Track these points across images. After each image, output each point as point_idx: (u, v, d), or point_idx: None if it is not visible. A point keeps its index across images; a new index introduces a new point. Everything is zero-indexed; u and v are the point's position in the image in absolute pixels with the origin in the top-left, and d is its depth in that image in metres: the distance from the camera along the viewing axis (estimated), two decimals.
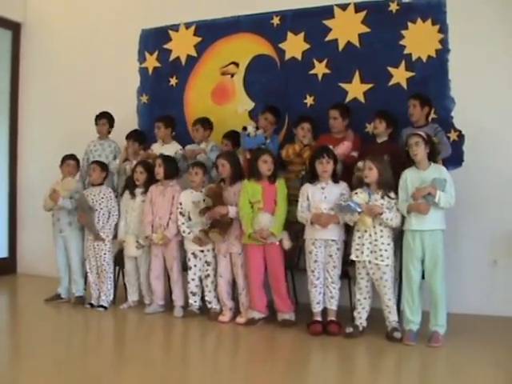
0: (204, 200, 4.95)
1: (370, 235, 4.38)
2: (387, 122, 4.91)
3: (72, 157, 5.63)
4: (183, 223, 5.09)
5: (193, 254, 5.10)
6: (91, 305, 5.41)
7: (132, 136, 5.79)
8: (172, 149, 5.64)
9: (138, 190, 5.35)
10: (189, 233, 5.06)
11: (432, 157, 4.37)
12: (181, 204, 5.12)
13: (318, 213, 4.52)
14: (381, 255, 4.34)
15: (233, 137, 5.53)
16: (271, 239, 4.70)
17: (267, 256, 4.77)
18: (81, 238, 5.57)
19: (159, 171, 5.18)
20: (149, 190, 5.27)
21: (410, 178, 4.35)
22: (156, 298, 5.30)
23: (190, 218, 5.10)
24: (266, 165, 4.76)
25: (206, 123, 5.71)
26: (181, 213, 5.11)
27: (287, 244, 4.72)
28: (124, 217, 5.39)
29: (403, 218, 4.39)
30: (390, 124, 4.91)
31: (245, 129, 5.33)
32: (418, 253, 4.31)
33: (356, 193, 4.44)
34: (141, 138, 5.83)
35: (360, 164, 4.53)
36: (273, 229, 4.67)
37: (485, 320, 4.92)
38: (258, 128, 5.33)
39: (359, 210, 4.33)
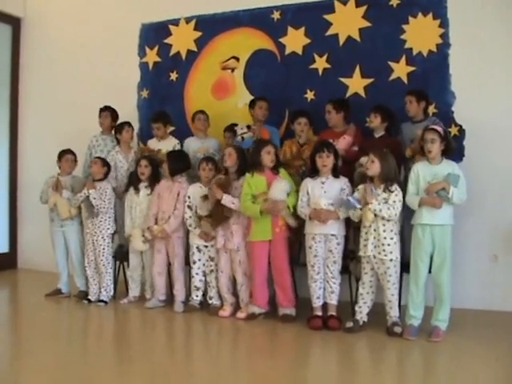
0: (209, 189, 4.93)
1: (375, 230, 4.36)
2: (382, 116, 4.91)
3: (70, 151, 5.64)
4: (190, 217, 5.09)
5: (197, 248, 5.10)
6: (89, 300, 5.42)
7: (126, 123, 5.82)
8: (169, 144, 5.66)
9: (142, 185, 5.36)
10: (195, 227, 5.06)
11: (446, 153, 4.35)
12: (189, 197, 5.12)
13: (318, 209, 4.52)
14: (384, 250, 4.32)
15: (234, 130, 5.53)
16: (285, 212, 4.66)
17: (272, 250, 4.76)
18: (80, 233, 5.59)
19: (165, 168, 5.20)
20: (159, 183, 5.29)
21: (422, 172, 4.34)
22: (157, 293, 5.31)
23: (196, 213, 5.09)
24: (269, 156, 4.74)
25: (204, 113, 5.73)
26: (188, 206, 5.11)
27: (293, 222, 4.70)
28: (129, 212, 5.39)
29: (410, 212, 4.38)
30: (385, 118, 4.91)
31: (235, 131, 5.36)
32: (427, 247, 4.30)
33: (358, 189, 4.43)
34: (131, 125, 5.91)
35: (362, 159, 4.52)
36: (289, 201, 4.66)
37: (485, 315, 4.92)
38: (249, 127, 5.33)
39: (358, 206, 4.32)
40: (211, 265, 5.09)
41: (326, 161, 4.57)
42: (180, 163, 5.25)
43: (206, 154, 5.45)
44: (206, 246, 5.09)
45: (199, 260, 5.11)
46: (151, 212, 5.22)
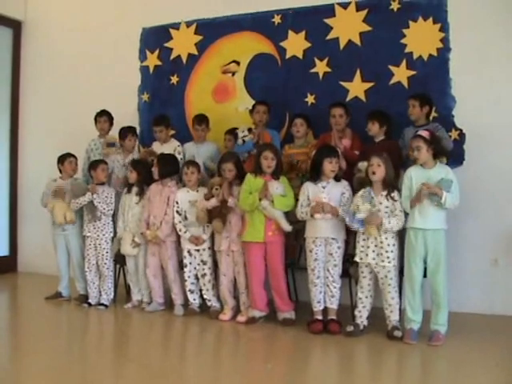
0: (216, 189, 4.90)
1: (376, 238, 4.35)
2: (379, 121, 4.91)
3: (72, 154, 5.65)
4: (180, 221, 5.09)
5: (188, 252, 5.11)
6: (89, 304, 5.41)
7: (130, 130, 5.81)
8: (171, 147, 5.66)
9: (134, 190, 5.35)
10: (185, 232, 5.07)
11: (437, 156, 4.35)
12: (177, 203, 5.12)
13: (319, 202, 4.49)
14: (387, 257, 4.32)
15: (235, 132, 5.54)
16: (267, 206, 4.65)
17: (267, 254, 4.76)
18: (82, 237, 5.57)
19: (155, 171, 5.20)
20: (150, 187, 5.28)
21: (415, 177, 4.33)
22: (155, 296, 5.31)
23: (186, 218, 5.10)
24: (266, 161, 4.74)
25: (205, 120, 5.72)
26: (177, 211, 5.11)
27: (287, 227, 4.69)
28: (122, 214, 5.39)
29: (406, 216, 4.38)
30: (383, 123, 4.91)
31: (236, 134, 5.38)
32: (420, 251, 4.29)
33: (357, 206, 4.37)
34: (136, 132, 5.93)
35: (360, 165, 4.52)
36: (275, 198, 4.64)
37: (485, 319, 4.92)
38: (250, 130, 5.33)
39: (361, 229, 4.34)
40: (203, 268, 5.10)
41: (335, 166, 4.57)
42: (170, 167, 5.24)
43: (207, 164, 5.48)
44: (198, 250, 5.09)
45: (190, 264, 5.11)
46: (143, 217, 5.23)
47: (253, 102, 5.76)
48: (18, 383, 3.59)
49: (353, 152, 4.96)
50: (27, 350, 4.21)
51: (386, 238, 4.34)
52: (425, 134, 4.31)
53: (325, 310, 4.61)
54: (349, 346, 4.27)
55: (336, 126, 5.12)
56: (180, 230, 5.10)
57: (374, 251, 4.36)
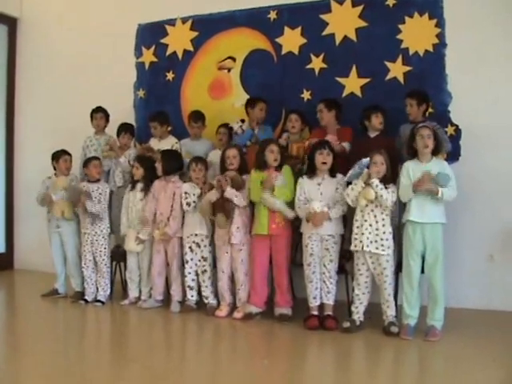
0: (218, 181, 4.86)
1: (371, 225, 4.36)
2: (383, 116, 4.93)
3: (66, 152, 5.63)
4: (190, 205, 5.04)
5: (190, 248, 5.10)
6: (85, 301, 5.41)
7: (124, 128, 5.81)
8: (168, 143, 5.64)
9: (139, 186, 5.34)
10: (194, 205, 5.03)
11: (436, 151, 4.36)
12: (186, 193, 5.05)
13: (312, 212, 4.51)
14: (382, 245, 4.32)
15: (230, 127, 5.54)
16: (268, 198, 4.68)
17: (273, 247, 4.77)
18: (77, 234, 5.56)
19: (158, 167, 5.19)
20: (153, 183, 5.27)
21: (412, 171, 4.34)
22: (155, 294, 5.30)
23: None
24: (272, 154, 4.77)
25: (201, 117, 5.74)
26: (187, 203, 5.03)
27: (290, 214, 4.71)
28: (126, 212, 5.39)
29: (403, 208, 4.39)
30: (384, 119, 4.95)
31: (231, 128, 5.41)
32: (418, 246, 4.30)
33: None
34: (132, 130, 5.92)
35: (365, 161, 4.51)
36: (277, 189, 4.66)
37: (482, 315, 4.92)
38: (243, 121, 5.36)
39: (365, 167, 4.35)
40: (204, 265, 5.09)
41: (326, 158, 4.57)
42: (174, 163, 5.24)
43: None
44: (199, 246, 5.09)
45: (191, 260, 5.11)
46: (147, 213, 5.22)
47: (248, 97, 5.74)
48: (15, 382, 3.58)
49: (340, 145, 4.95)
50: (24, 347, 4.20)
51: (384, 225, 4.34)
52: (431, 126, 4.34)
53: (321, 306, 4.62)
54: (345, 342, 4.28)
55: (321, 121, 5.16)
56: (189, 204, 5.02)
57: (368, 238, 4.35)
